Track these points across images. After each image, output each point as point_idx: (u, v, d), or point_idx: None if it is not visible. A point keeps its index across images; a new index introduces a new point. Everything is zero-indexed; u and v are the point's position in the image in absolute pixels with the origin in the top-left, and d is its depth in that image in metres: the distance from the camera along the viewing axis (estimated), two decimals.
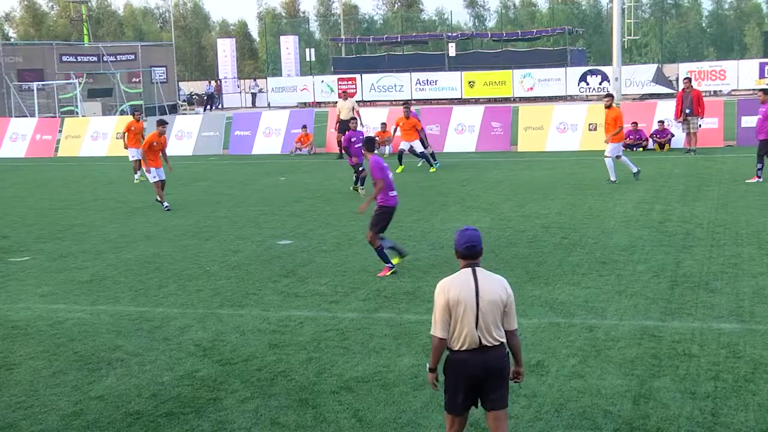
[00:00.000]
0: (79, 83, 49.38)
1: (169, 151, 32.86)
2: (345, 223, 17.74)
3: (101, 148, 34.68)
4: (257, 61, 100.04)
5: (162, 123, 20.84)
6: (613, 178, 21.43)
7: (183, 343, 10.43)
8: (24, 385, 9.20)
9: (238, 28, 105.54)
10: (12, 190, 24.99)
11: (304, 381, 9.05)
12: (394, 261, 13.48)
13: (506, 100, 56.22)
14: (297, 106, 60.06)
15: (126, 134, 25.89)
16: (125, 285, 13.39)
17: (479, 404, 6.40)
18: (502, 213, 18.23)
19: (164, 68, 57.58)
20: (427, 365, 6.46)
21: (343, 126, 26.60)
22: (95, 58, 54.08)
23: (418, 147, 26.05)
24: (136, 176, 25.65)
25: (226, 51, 72.96)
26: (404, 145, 26.20)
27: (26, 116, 43.04)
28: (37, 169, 30.17)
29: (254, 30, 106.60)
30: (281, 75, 69.76)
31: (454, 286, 6.24)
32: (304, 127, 32.37)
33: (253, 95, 67.85)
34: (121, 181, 26.02)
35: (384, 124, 30.66)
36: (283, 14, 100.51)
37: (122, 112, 49.79)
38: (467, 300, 6.16)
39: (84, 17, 77.70)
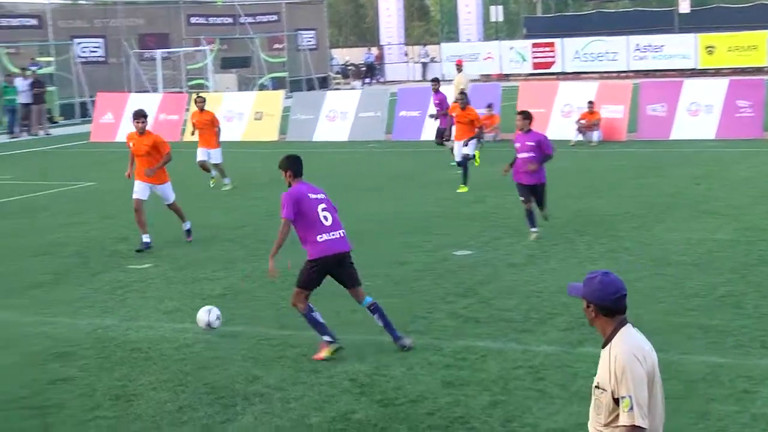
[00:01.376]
0: (211, 51, 50.78)
1: (320, 135, 33.88)
2: (541, 231, 17.68)
3: (236, 131, 35.54)
4: (429, 22, 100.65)
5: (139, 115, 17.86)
6: None
7: (335, 376, 10.66)
8: (146, 420, 9.64)
9: None
10: (130, 182, 26.06)
11: (488, 431, 9.10)
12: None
13: (758, 71, 54.48)
14: (479, 80, 60.02)
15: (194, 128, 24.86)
16: (265, 301, 13.79)
17: None
18: (751, 221, 17.74)
19: (313, 32, 58.48)
20: None
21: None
22: (230, 20, 55.33)
23: (468, 150, 22.79)
24: (226, 181, 24.44)
25: (390, 10, 73.35)
26: (460, 148, 22.86)
27: (148, 91, 44.75)
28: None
29: None
30: (458, 40, 69.86)
31: (642, 350, 5.74)
32: (489, 106, 32.29)
33: (424, 65, 68.22)
34: (258, 173, 26.65)
35: (591, 103, 30.29)
36: None
37: (262, 87, 50.86)
38: (656, 367, 5.76)
39: None
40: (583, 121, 30.22)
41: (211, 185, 24.05)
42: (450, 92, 30.24)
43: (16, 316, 13.60)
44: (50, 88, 42.42)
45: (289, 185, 11.55)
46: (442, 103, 26.99)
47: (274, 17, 56.86)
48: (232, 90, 47.05)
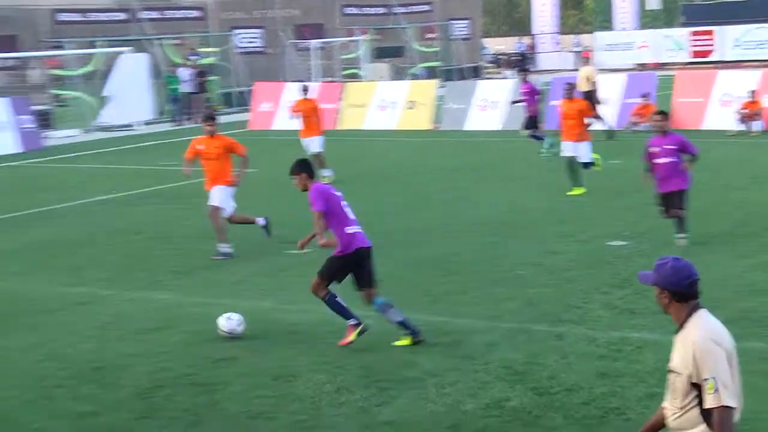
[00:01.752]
0: (365, 41, 51.14)
1: (472, 124, 33.83)
2: (700, 222, 17.32)
3: (390, 120, 35.83)
4: (582, 11, 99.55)
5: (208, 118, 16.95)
6: None
7: (490, 363, 10.69)
8: (305, 401, 9.83)
9: None
10: (287, 169, 26.42)
11: (644, 422, 9.01)
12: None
13: None
14: (634, 69, 59.05)
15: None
16: (419, 288, 13.88)
17: None
18: None
19: (466, 21, 58.37)
20: None
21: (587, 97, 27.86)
22: (383, 10, 55.60)
23: (583, 155, 20.87)
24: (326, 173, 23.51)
25: (544, 0, 72.98)
26: (570, 149, 20.92)
27: (303, 81, 45.31)
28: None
29: None
30: (612, 29, 68.79)
31: (721, 333, 5.75)
32: (645, 95, 31.78)
33: (576, 54, 67.50)
34: (410, 163, 26.78)
35: (753, 92, 29.55)
36: None
37: (414, 76, 51.00)
38: (734, 350, 5.75)
39: None
40: (745, 111, 29.53)
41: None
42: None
43: (182, 297, 13.99)
44: (211, 78, 43.37)
45: (305, 188, 11.92)
46: (531, 92, 27.91)
47: (427, 7, 56.96)
48: (385, 79, 47.28)
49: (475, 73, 57.66)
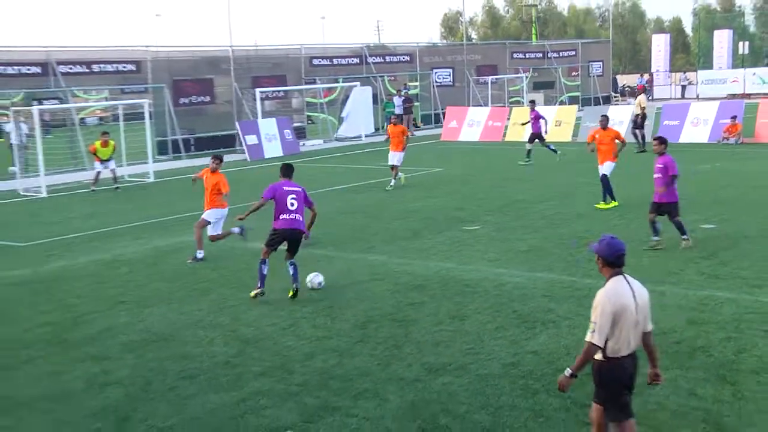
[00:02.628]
0: (526, 77, 50.67)
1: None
2: None
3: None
4: (689, 54, 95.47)
5: (216, 158, 14.85)
6: None
7: None
8: (472, 335, 9.81)
9: (673, 24, 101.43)
10: (466, 169, 26.45)
11: (723, 358, 8.62)
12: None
13: None
14: (726, 98, 56.32)
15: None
16: (558, 257, 13.65)
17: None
18: None
19: (601, 62, 57.00)
20: (568, 370, 6.02)
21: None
22: (540, 55, 55.10)
23: (605, 171, 18.14)
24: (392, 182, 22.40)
25: (660, 46, 70.84)
26: (604, 168, 18.07)
27: (481, 105, 45.17)
28: (487, 152, 31.64)
29: (688, 26, 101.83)
30: (712, 68, 65.80)
31: (617, 294, 5.89)
32: (734, 117, 30.34)
33: (683, 87, 64.91)
34: (557, 165, 26.34)
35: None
36: (718, 9, 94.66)
37: (561, 103, 50.34)
38: (629, 307, 5.89)
39: (533, 19, 79.66)
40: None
41: (402, 182, 22.63)
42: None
43: (388, 258, 14.13)
44: (416, 104, 43.70)
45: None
46: (536, 117, 27.36)
47: (573, 52, 55.99)
48: (539, 105, 46.56)
49: (607, 100, 56.34)
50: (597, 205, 18.00)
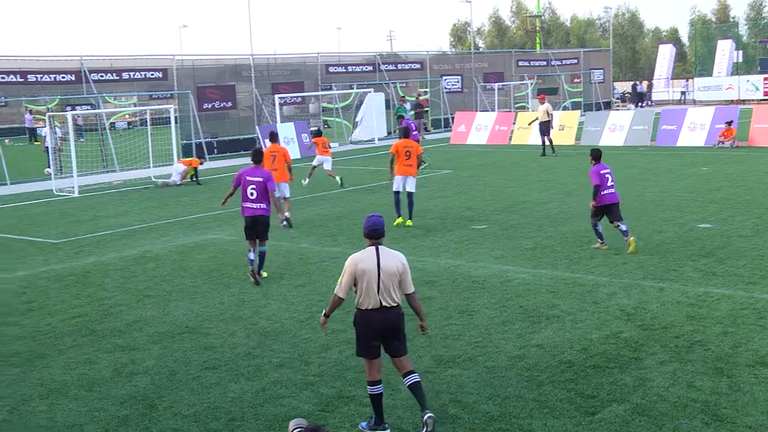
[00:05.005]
0: (530, 84, 50.51)
1: (604, 141, 32.79)
2: (765, 211, 16.29)
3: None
4: (685, 63, 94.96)
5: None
6: None
7: (610, 307, 10.33)
8: (480, 329, 9.74)
9: (670, 34, 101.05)
10: (474, 170, 26.39)
11: (720, 352, 8.52)
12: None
13: None
14: (722, 103, 55.93)
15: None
16: (562, 254, 13.55)
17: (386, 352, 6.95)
18: None
19: (602, 71, 56.74)
20: (323, 312, 7.08)
21: (542, 127, 30.01)
22: (544, 63, 54.93)
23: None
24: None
25: (665, 55, 70.85)
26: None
27: (488, 111, 45.04)
28: (494, 155, 31.52)
29: (684, 35, 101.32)
30: (711, 75, 65.37)
31: (362, 260, 6.84)
32: (729, 122, 30.10)
33: (682, 93, 64.59)
34: (560, 167, 26.22)
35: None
36: (713, 20, 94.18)
37: (564, 108, 50.06)
38: (371, 271, 6.79)
39: (537, 29, 79.39)
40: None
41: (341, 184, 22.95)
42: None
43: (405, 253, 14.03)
44: (426, 108, 43.57)
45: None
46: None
47: (575, 60, 55.81)
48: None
49: (608, 105, 56.07)
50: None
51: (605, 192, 13.39)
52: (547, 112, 30.58)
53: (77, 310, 11.33)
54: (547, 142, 30.22)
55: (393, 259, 6.90)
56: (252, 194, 12.01)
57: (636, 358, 8.43)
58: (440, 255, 13.86)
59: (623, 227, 13.32)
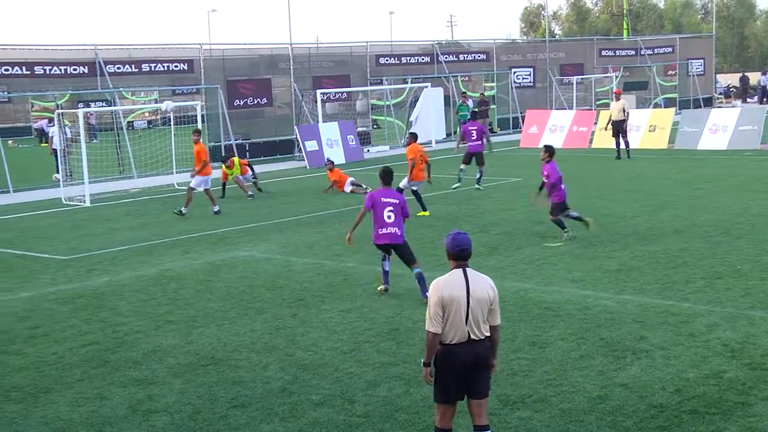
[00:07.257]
0: (616, 77, 50.14)
1: (704, 144, 32.34)
2: None
3: (633, 140, 34.62)
4: None
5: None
6: None
7: (710, 341, 10.17)
8: (554, 363, 9.66)
9: None
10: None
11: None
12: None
13: None
14: None
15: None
16: (651, 277, 13.39)
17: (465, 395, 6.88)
18: None
19: (702, 60, 56.11)
20: (422, 361, 6.89)
21: (615, 126, 30.85)
22: (632, 52, 54.53)
23: None
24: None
25: None
26: None
27: (564, 108, 44.84)
28: (571, 160, 31.30)
29: None
30: None
31: (447, 285, 6.74)
32: None
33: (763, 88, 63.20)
34: (650, 174, 25.94)
35: None
36: None
37: (656, 105, 49.56)
38: (459, 298, 6.67)
39: (624, 12, 78.81)
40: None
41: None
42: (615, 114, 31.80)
43: None
44: (492, 106, 43.60)
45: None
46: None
47: (670, 49, 55.25)
48: (630, 108, 45.95)
49: (709, 102, 55.38)
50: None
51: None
52: (623, 110, 30.75)
53: (88, 338, 11.54)
54: (622, 145, 30.31)
55: (483, 283, 6.80)
56: (390, 217, 12.58)
57: (743, 403, 8.28)
58: (506, 277, 13.80)
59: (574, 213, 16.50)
